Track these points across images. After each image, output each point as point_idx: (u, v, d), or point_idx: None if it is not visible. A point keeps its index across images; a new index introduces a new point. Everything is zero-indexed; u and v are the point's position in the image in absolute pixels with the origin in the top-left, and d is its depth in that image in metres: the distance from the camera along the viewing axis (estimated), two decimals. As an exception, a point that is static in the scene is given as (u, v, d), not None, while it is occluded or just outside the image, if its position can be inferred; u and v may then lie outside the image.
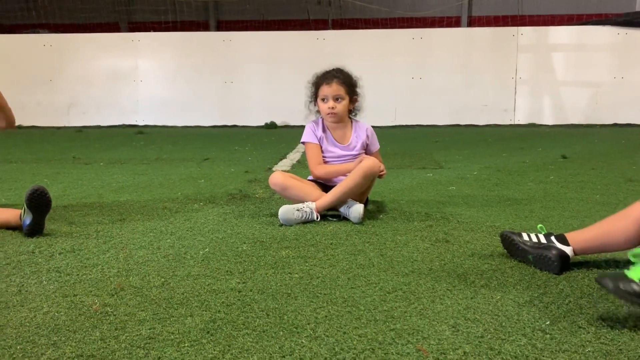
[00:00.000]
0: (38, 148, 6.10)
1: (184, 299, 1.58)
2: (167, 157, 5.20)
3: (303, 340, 1.31)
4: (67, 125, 9.27)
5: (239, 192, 3.24)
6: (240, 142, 6.61)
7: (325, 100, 2.67)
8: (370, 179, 2.58)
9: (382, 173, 2.63)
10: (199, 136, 7.60)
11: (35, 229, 2.23)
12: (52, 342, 1.31)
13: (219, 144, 6.44)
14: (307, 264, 1.89)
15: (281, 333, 1.35)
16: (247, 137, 7.28)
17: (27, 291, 1.65)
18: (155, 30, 10.26)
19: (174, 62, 9.44)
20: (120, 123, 9.30)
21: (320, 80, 2.69)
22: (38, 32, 10.13)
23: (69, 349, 1.27)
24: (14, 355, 1.25)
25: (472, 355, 1.24)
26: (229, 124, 9.29)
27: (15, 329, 1.38)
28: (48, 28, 11.35)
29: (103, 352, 1.26)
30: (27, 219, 2.22)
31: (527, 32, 9.13)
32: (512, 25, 10.07)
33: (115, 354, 1.25)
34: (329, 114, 2.68)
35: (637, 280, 1.36)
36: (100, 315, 1.47)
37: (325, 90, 2.66)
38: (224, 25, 13.90)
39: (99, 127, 9.19)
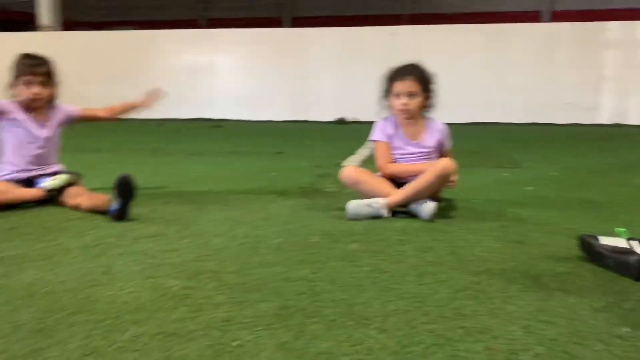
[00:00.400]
0: (124, 139, 6.46)
1: (257, 285, 1.64)
2: (242, 150, 5.36)
3: (372, 332, 1.34)
4: (149, 117, 9.71)
5: (310, 186, 3.30)
6: (311, 137, 6.69)
7: (399, 96, 2.66)
8: (444, 180, 2.54)
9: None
10: (271, 130, 7.76)
11: (121, 214, 2.40)
12: (136, 320, 1.41)
13: (291, 139, 6.55)
14: (376, 258, 1.91)
15: (350, 323, 1.38)
16: (318, 132, 7.35)
17: (113, 271, 1.78)
18: (232, 26, 10.55)
19: (249, 57, 9.66)
20: (198, 117, 9.65)
21: (395, 75, 2.67)
22: (126, 29, 10.68)
23: (151, 327, 1.36)
24: (103, 329, 1.35)
25: (545, 358, 1.21)
26: (301, 119, 9.41)
27: (104, 305, 1.50)
28: (133, 25, 11.95)
29: (182, 331, 1.34)
30: (115, 205, 2.40)
31: (613, 27, 8.62)
32: (598, 19, 9.55)
33: (193, 334, 1.33)
34: (401, 110, 2.67)
35: None
36: (180, 297, 1.56)
37: (399, 86, 2.64)
38: (298, 22, 14.10)
39: (177, 120, 9.58)
